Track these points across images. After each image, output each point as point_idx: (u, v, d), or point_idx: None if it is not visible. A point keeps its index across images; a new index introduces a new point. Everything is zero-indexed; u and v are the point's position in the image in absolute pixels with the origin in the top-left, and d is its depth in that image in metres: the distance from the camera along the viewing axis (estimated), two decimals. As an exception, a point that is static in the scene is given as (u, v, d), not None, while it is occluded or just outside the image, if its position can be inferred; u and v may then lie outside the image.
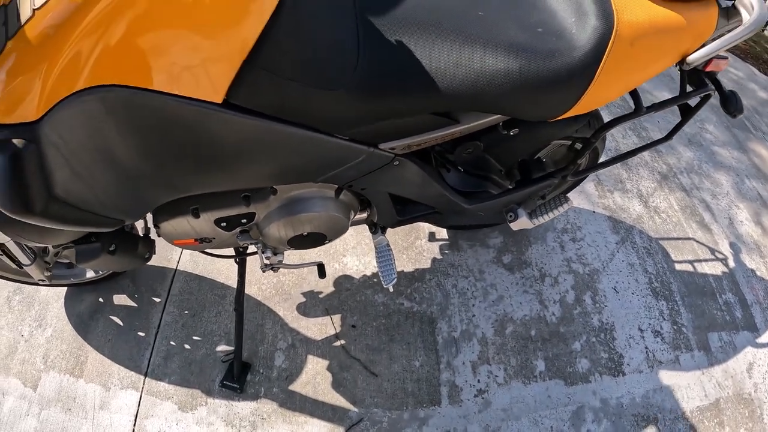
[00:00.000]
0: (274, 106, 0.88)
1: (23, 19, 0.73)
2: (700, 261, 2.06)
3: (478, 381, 1.63)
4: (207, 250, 1.46)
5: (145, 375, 1.76)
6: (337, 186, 1.22)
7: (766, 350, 1.87)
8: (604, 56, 0.96)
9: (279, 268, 1.47)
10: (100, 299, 1.94)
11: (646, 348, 1.78)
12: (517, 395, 1.62)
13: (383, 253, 1.49)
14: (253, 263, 1.81)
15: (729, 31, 1.07)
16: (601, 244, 2.00)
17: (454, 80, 0.94)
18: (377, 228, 1.49)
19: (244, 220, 1.25)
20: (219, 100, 0.82)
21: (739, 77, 3.15)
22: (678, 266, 2.01)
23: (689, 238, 2.11)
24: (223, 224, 1.24)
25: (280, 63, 0.84)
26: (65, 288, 2.04)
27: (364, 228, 1.94)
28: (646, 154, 2.42)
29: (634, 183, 2.26)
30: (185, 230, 1.26)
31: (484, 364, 1.66)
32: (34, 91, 0.76)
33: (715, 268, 2.04)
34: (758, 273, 2.09)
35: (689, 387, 1.73)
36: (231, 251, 1.56)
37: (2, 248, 1.48)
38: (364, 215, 1.45)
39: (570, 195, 2.05)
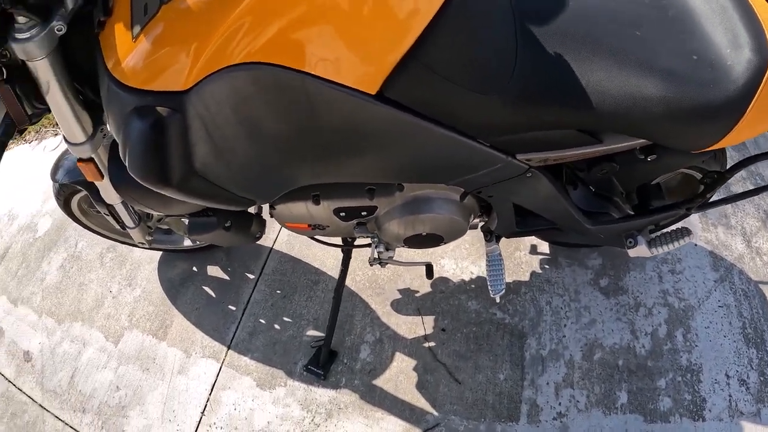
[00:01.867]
0: (426, 104, 0.96)
1: None
2: (798, 311, 2.03)
3: (560, 404, 1.72)
4: (316, 237, 1.55)
5: (228, 347, 1.90)
6: (463, 190, 1.29)
7: None
8: (757, 92, 0.99)
9: (387, 263, 1.56)
10: (194, 268, 2.10)
11: (730, 396, 1.80)
12: (595, 424, 1.69)
13: (495, 263, 1.57)
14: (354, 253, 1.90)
15: None
16: (699, 280, 2.03)
17: (608, 99, 1.00)
18: (492, 236, 1.56)
19: (364, 213, 1.35)
20: (373, 91, 0.89)
21: None
22: (775, 313, 2.00)
23: (790, 285, 2.08)
24: (342, 214, 1.34)
25: (439, 61, 0.91)
26: (159, 252, 2.16)
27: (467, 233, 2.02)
28: (750, 187, 2.41)
29: (739, 219, 2.26)
30: (301, 215, 1.37)
31: (568, 388, 1.74)
32: (186, 61, 0.83)
33: (813, 321, 2.02)
34: None
35: (766, 442, 1.74)
36: (338, 240, 1.64)
37: (110, 209, 1.59)
38: (482, 221, 1.51)
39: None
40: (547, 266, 2.00)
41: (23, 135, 3.12)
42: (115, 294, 2.21)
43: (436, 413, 1.70)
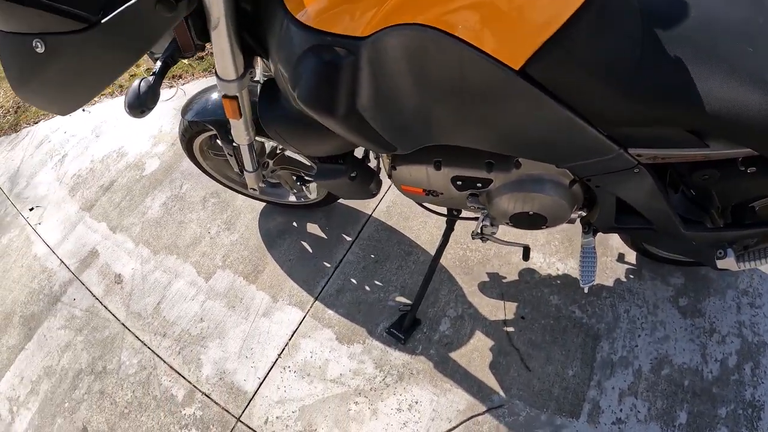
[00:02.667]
0: (559, 86, 1.12)
1: None
2: None
3: (621, 410, 1.85)
4: (424, 204, 1.73)
5: (315, 299, 2.11)
6: (572, 177, 1.46)
7: None
8: None
9: (488, 239, 1.73)
10: (294, 223, 2.34)
11: None
12: None
13: (589, 254, 1.73)
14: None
15: None
16: None
17: (718, 104, 1.13)
18: (590, 228, 1.72)
19: (479, 185, 1.52)
20: (517, 67, 1.06)
21: None
22: None
23: None
24: (459, 183, 1.52)
25: (577, 49, 1.08)
26: (261, 204, 2.43)
27: (555, 229, 2.20)
28: None
29: None
30: (420, 179, 1.55)
31: (631, 396, 1.87)
32: (368, 12, 1.02)
33: None
34: None
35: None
36: (443, 210, 1.85)
37: (234, 150, 1.79)
38: (583, 213, 1.67)
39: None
40: (631, 276, 2.13)
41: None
42: (213, 235, 2.44)
43: (502, 394, 1.85)
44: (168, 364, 2.11)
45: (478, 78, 1.10)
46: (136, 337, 2.22)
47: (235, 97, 1.45)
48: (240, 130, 1.61)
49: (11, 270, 2.63)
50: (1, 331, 2.42)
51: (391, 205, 2.36)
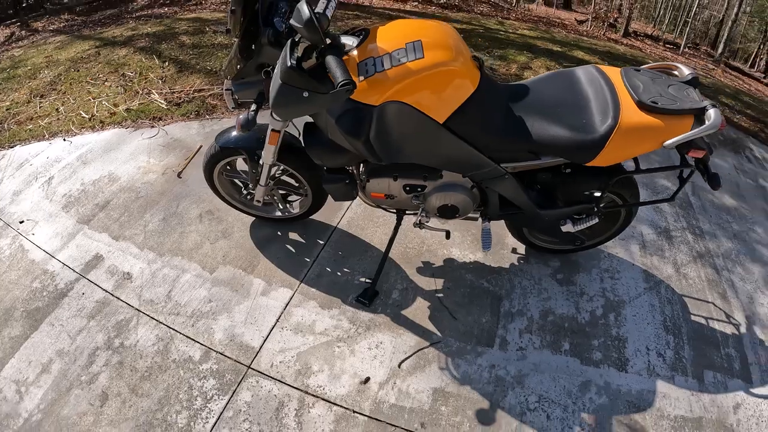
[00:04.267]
0: (464, 132, 2.31)
1: (385, 66, 2.15)
2: (713, 319, 2.96)
3: (522, 342, 2.82)
4: (382, 205, 2.87)
5: (301, 282, 3.07)
6: (471, 183, 2.65)
7: (755, 399, 2.59)
8: (609, 138, 2.21)
9: (424, 227, 2.89)
10: (278, 233, 3.29)
11: (649, 361, 2.68)
12: (545, 359, 2.71)
13: (486, 233, 2.87)
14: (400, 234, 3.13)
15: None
16: (632, 286, 3.16)
17: (543, 138, 2.33)
18: (486, 217, 2.89)
19: (419, 189, 2.68)
20: (441, 121, 2.26)
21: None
22: (692, 317, 2.96)
23: (708, 302, 3.07)
24: (407, 188, 2.68)
25: (473, 114, 2.27)
26: (250, 218, 3.34)
27: (468, 232, 3.40)
28: (689, 235, 3.56)
29: (672, 253, 3.40)
30: (384, 187, 2.69)
31: (528, 334, 2.88)
32: (378, 95, 2.16)
33: (724, 328, 2.92)
34: (766, 344, 2.89)
35: (678, 399, 2.54)
36: (394, 209, 2.93)
37: (258, 169, 2.83)
38: (479, 211, 2.87)
39: (619, 252, 3.35)
40: (522, 261, 3.28)
41: (121, 121, 4.24)
42: (212, 241, 3.30)
43: (439, 334, 2.82)
44: (184, 335, 2.68)
45: (423, 128, 2.26)
46: (151, 317, 2.76)
47: (279, 131, 2.55)
48: (270, 153, 2.67)
49: (6, 273, 3.06)
50: (2, 324, 2.78)
51: (350, 220, 3.46)
